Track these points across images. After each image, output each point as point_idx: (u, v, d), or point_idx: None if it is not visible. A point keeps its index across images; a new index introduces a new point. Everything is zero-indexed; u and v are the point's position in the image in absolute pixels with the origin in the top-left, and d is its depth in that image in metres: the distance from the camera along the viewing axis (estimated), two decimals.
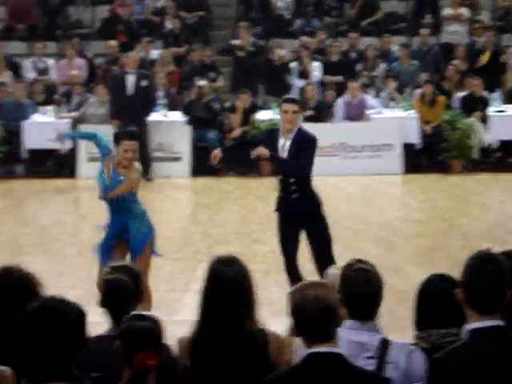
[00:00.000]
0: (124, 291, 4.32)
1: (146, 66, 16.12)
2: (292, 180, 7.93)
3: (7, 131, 14.93)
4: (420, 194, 13.92)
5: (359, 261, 4.12)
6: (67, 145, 15.08)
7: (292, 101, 8.13)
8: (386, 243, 10.82)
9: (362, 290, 3.79)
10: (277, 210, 8.08)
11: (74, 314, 3.25)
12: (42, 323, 3.19)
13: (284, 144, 7.93)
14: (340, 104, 15.50)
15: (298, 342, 3.95)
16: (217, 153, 8.34)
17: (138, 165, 8.05)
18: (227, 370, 4.10)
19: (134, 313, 3.72)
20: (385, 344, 3.93)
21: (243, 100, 15.11)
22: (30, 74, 16.41)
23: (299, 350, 3.86)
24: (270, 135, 8.14)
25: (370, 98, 15.71)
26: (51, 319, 3.19)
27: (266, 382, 3.57)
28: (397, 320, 7.10)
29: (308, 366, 3.52)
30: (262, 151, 7.89)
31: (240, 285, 4.18)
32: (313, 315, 3.53)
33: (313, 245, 7.97)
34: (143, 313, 3.71)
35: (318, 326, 3.53)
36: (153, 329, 3.62)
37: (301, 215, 7.91)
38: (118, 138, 7.81)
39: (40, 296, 3.46)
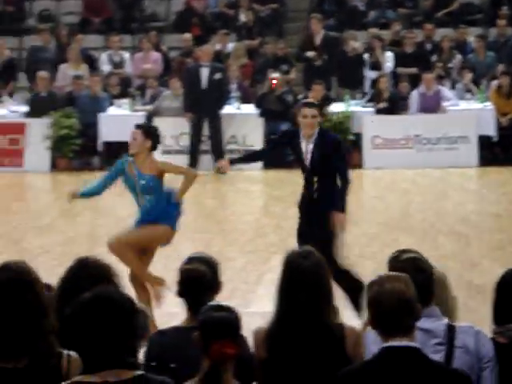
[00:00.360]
0: (202, 281, 4.34)
1: (222, 58, 16.18)
2: (315, 179, 7.85)
3: (83, 124, 15.15)
4: (496, 187, 13.69)
5: (404, 251, 4.11)
6: None
7: (312, 105, 7.93)
8: (462, 237, 10.68)
9: (414, 279, 3.72)
10: (298, 206, 7.97)
11: (125, 303, 3.30)
12: (94, 312, 3.24)
13: (306, 147, 7.80)
14: (415, 96, 15.33)
15: (369, 334, 3.93)
16: (224, 164, 8.26)
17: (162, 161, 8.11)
18: (304, 362, 4.09)
19: (211, 303, 3.74)
20: (451, 329, 3.90)
21: (316, 91, 15.04)
22: (105, 68, 16.62)
23: (371, 344, 3.85)
24: (290, 136, 8.01)
25: (445, 90, 15.50)
26: (103, 308, 3.24)
27: (342, 375, 3.55)
28: (473, 314, 7.00)
29: (384, 360, 3.48)
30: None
31: (318, 277, 4.17)
32: (389, 308, 3.50)
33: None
34: (221, 303, 3.72)
35: (394, 319, 3.50)
36: (231, 318, 3.64)
37: (318, 215, 7.79)
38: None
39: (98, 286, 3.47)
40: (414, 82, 15.71)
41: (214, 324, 3.57)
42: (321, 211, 7.73)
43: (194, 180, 7.98)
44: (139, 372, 3.27)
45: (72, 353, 3.55)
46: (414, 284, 3.63)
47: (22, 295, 3.51)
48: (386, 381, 3.45)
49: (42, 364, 3.48)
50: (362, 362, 3.69)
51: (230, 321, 3.62)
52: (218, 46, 16.61)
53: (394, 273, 3.71)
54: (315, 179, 7.83)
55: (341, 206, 7.70)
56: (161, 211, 7.81)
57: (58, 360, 3.51)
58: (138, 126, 7.92)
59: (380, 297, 3.51)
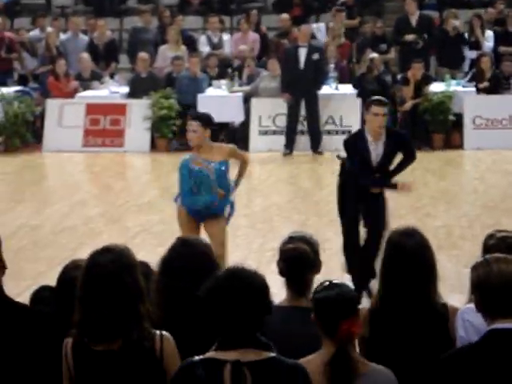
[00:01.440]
0: (304, 260, 4.32)
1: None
2: (378, 175, 7.83)
3: (182, 105, 15.29)
4: None
5: (499, 231, 4.11)
6: (240, 118, 15.32)
7: (383, 103, 7.69)
8: None
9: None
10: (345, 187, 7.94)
11: (260, 280, 3.30)
12: (229, 291, 3.24)
13: (376, 149, 7.65)
14: None
15: (460, 314, 3.90)
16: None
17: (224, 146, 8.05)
18: (408, 340, 4.06)
19: (325, 282, 3.67)
20: None
21: (416, 69, 14.82)
22: (204, 49, 16.72)
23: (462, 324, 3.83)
24: (354, 142, 7.77)
25: None
26: (240, 285, 3.24)
27: (446, 359, 3.50)
28: None
29: (489, 343, 3.44)
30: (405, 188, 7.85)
31: (423, 256, 4.14)
32: (497, 289, 3.46)
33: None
34: (333, 280, 3.67)
35: (502, 300, 3.46)
36: (349, 294, 3.59)
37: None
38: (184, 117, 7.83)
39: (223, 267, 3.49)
40: None
41: (337, 303, 3.52)
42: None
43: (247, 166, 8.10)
44: (272, 354, 3.25)
45: (165, 333, 3.58)
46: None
47: (120, 278, 3.55)
48: (494, 364, 3.40)
49: (136, 346, 3.51)
50: (466, 345, 3.63)
51: (350, 297, 3.57)
52: (314, 26, 16.53)
53: (500, 254, 3.65)
54: (377, 175, 7.83)
55: (391, 178, 7.80)
56: (224, 204, 7.79)
57: (151, 342, 3.54)
58: (195, 118, 7.73)
59: (488, 278, 3.48)
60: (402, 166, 7.99)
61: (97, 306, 3.53)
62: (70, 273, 4.00)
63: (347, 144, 7.94)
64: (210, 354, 3.26)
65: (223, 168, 7.70)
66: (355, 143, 7.77)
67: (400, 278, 4.08)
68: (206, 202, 7.69)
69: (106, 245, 3.68)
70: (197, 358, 3.27)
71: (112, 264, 3.56)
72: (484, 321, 3.56)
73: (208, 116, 7.91)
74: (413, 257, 4.11)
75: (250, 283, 3.25)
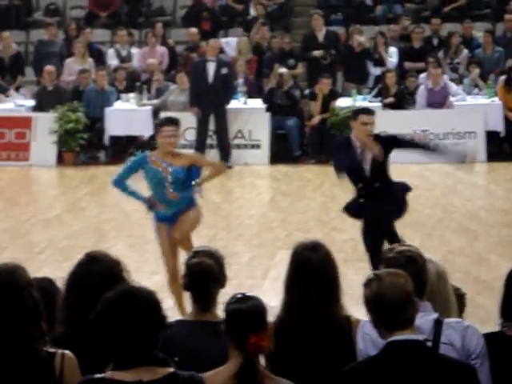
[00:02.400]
0: (208, 275, 4.31)
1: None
2: (377, 185, 7.74)
3: (90, 118, 15.13)
4: (504, 183, 13.62)
5: (399, 244, 4.15)
6: (149, 131, 15.23)
7: (371, 112, 7.76)
8: (470, 232, 10.63)
9: (406, 270, 3.72)
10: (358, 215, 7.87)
11: (150, 297, 3.28)
12: (122, 310, 3.21)
13: (365, 156, 7.66)
14: (422, 91, 15.27)
15: (361, 326, 3.93)
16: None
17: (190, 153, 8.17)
18: (312, 355, 4.08)
19: (237, 294, 3.67)
20: (438, 324, 3.88)
21: (324, 84, 14.99)
22: (112, 62, 16.59)
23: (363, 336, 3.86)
24: (345, 147, 7.81)
25: (452, 85, 15.44)
26: (130, 304, 3.22)
27: (348, 372, 3.53)
28: (480, 309, 6.97)
29: (389, 355, 3.47)
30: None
31: (327, 270, 4.16)
32: (392, 301, 3.49)
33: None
34: (246, 293, 3.66)
35: (397, 312, 3.49)
36: (261, 308, 3.59)
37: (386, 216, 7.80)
38: (158, 125, 7.88)
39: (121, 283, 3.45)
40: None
41: (248, 316, 3.52)
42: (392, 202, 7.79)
43: (221, 173, 8.33)
44: (171, 369, 3.24)
45: (66, 352, 3.53)
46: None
47: (8, 300, 3.49)
48: (394, 376, 3.44)
49: (32, 367, 3.45)
50: (366, 358, 3.66)
51: (261, 311, 3.57)
52: (223, 40, 16.57)
53: (391, 269, 3.69)
54: (376, 185, 7.75)
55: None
56: (188, 198, 7.88)
57: (49, 361, 3.48)
58: (173, 122, 7.81)
59: (381, 291, 3.50)
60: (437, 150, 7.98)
61: None
62: None
63: (339, 145, 8.05)
64: (109, 375, 3.23)
65: (183, 176, 7.74)
66: (347, 147, 7.76)
67: (303, 291, 4.10)
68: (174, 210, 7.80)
69: None
70: (97, 375, 3.24)
71: (1, 285, 3.50)
72: (379, 336, 3.59)
73: (179, 119, 8.01)
74: (316, 271, 4.12)
75: (138, 302, 3.22)
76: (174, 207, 7.87)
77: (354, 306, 6.02)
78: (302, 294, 4.10)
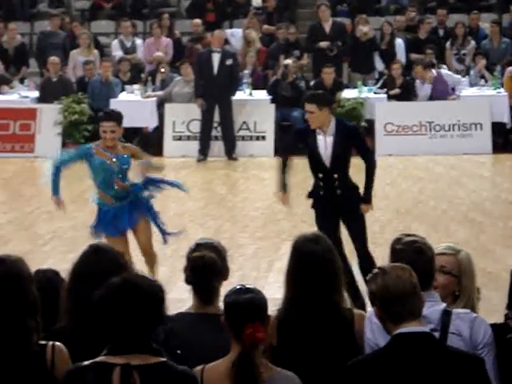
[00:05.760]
0: (211, 268, 4.29)
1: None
2: (336, 176, 7.70)
3: (94, 110, 15.10)
4: (510, 174, 13.59)
5: (407, 234, 4.13)
6: (153, 123, 15.21)
7: (309, 99, 7.64)
8: (475, 224, 10.60)
9: (413, 261, 3.75)
10: (315, 205, 7.82)
11: (154, 289, 3.31)
12: (124, 297, 3.26)
13: (325, 140, 7.61)
14: (419, 84, 15.15)
15: (369, 316, 3.92)
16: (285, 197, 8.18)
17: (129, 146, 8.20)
18: (315, 347, 4.06)
19: (237, 286, 3.69)
20: (447, 314, 3.90)
21: (327, 74, 14.94)
22: (116, 53, 16.56)
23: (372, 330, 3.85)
24: (302, 133, 7.81)
25: (444, 72, 15.25)
26: (133, 293, 3.26)
27: (354, 365, 3.52)
28: (485, 301, 6.92)
29: (396, 348, 3.46)
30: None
31: (329, 262, 4.14)
32: (397, 293, 3.50)
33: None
34: (246, 285, 3.68)
35: (402, 303, 3.49)
36: (261, 300, 3.61)
37: (343, 210, 7.72)
38: (97, 120, 7.94)
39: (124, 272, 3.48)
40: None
41: (245, 307, 3.54)
42: (350, 207, 7.68)
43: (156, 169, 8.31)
44: (162, 359, 3.27)
45: (57, 344, 3.56)
46: (413, 267, 3.64)
47: (8, 291, 3.51)
48: (401, 368, 3.42)
49: (25, 358, 3.48)
50: (373, 351, 3.66)
51: (260, 303, 3.59)
52: (228, 31, 16.53)
53: (396, 263, 3.70)
54: (335, 176, 7.69)
55: (369, 197, 7.67)
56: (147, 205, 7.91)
57: (42, 353, 3.51)
58: (110, 118, 7.81)
59: (387, 283, 3.51)
60: (368, 179, 7.73)
61: None
62: None
63: (298, 131, 8.12)
64: (100, 359, 3.29)
65: (129, 165, 7.82)
66: (306, 133, 7.72)
67: (306, 284, 4.08)
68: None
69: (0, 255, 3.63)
70: (86, 362, 3.30)
71: (2, 275, 3.52)
72: (385, 330, 3.59)
73: (120, 114, 8.00)
74: (319, 263, 4.11)
75: (143, 292, 3.27)
76: (121, 199, 7.81)
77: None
78: (304, 287, 4.08)
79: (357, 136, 7.75)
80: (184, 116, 15.07)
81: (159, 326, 3.33)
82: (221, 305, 4.00)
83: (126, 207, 7.85)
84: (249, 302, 3.56)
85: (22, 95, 15.52)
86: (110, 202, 7.86)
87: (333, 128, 7.60)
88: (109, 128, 7.71)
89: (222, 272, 4.36)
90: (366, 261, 7.68)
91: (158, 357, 3.27)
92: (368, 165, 7.72)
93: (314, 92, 8.56)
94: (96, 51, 16.25)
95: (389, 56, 15.91)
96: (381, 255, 8.69)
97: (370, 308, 4.17)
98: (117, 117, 7.84)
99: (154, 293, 3.29)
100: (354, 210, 7.71)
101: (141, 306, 3.24)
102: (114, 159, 7.75)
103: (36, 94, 15.66)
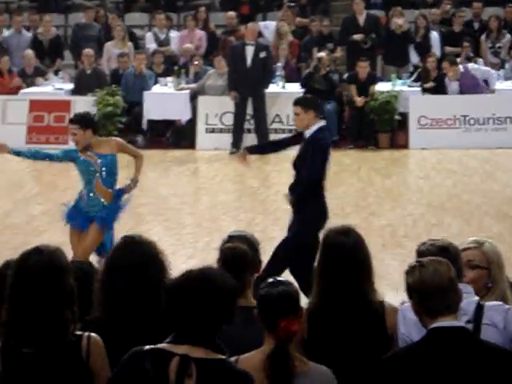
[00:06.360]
0: (244, 260, 4.30)
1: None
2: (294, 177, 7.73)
3: (128, 102, 15.16)
4: None
5: (432, 239, 4.22)
6: (186, 115, 15.24)
7: (296, 102, 7.67)
8: (509, 219, 10.51)
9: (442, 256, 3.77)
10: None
11: (229, 286, 3.29)
12: (199, 288, 3.23)
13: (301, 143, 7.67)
14: (447, 80, 15.04)
15: (402, 311, 3.92)
16: (243, 159, 8.10)
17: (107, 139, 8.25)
18: (346, 340, 4.06)
19: (270, 279, 3.68)
20: (480, 306, 3.92)
21: (362, 68, 14.89)
22: (150, 46, 16.61)
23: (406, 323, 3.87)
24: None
25: (471, 66, 15.07)
26: (209, 286, 3.23)
27: (388, 360, 3.51)
28: None
29: (431, 342, 3.45)
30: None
31: (360, 254, 4.14)
32: (434, 287, 3.49)
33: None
34: (278, 278, 3.68)
35: (439, 297, 3.49)
36: (293, 293, 3.60)
37: None
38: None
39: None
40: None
41: (278, 300, 3.54)
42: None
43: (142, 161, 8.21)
44: (222, 356, 3.25)
45: (93, 334, 3.56)
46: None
47: (47, 281, 3.51)
48: (436, 363, 3.42)
49: (61, 349, 3.49)
50: (408, 345, 3.65)
51: (293, 295, 3.59)
52: (262, 24, 16.52)
53: (433, 257, 3.70)
54: (295, 178, 7.80)
55: None
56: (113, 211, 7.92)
57: (77, 344, 3.52)
58: (72, 121, 7.88)
59: (423, 277, 3.51)
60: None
61: (23, 308, 3.48)
62: (4, 272, 3.93)
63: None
64: (161, 345, 3.26)
65: (113, 163, 7.82)
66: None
67: (337, 276, 4.07)
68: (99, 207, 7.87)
69: (38, 245, 3.63)
70: (147, 347, 3.27)
71: (41, 265, 3.52)
72: (421, 323, 3.58)
73: (85, 116, 8.01)
74: (350, 255, 4.11)
75: (218, 287, 3.25)
76: (95, 206, 7.83)
77: (391, 291, 6.00)
78: (335, 279, 4.08)
79: (314, 149, 7.59)
80: (217, 109, 15.09)
81: (226, 323, 3.28)
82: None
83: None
84: (282, 294, 3.55)
85: (56, 87, 15.62)
86: (84, 203, 7.93)
87: (309, 133, 7.59)
88: (71, 130, 7.80)
89: (254, 264, 4.36)
90: None
91: (218, 353, 3.24)
92: (300, 178, 7.64)
93: (304, 95, 8.52)
94: (130, 43, 16.31)
95: (423, 49, 15.81)
96: (413, 249, 8.67)
97: (398, 302, 4.17)
98: (79, 119, 7.85)
99: (228, 289, 3.27)
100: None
101: (214, 300, 3.21)
102: (99, 161, 7.78)
103: (70, 86, 15.76)
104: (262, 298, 3.60)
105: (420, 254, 4.04)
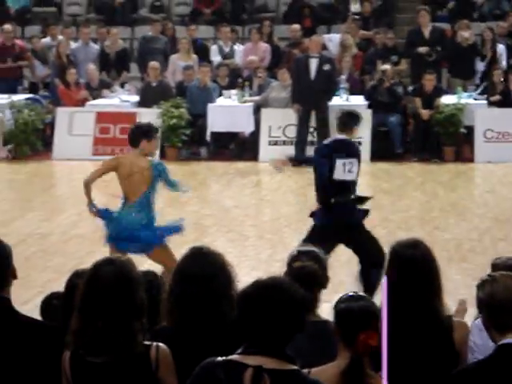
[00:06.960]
0: (314, 279, 4.31)
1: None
2: None
3: (192, 114, 15.28)
4: None
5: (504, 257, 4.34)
6: (250, 128, 15.29)
7: None
8: None
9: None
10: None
11: (301, 296, 3.29)
12: (272, 298, 3.22)
13: None
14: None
15: (476, 324, 3.88)
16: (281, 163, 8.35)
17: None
18: (413, 354, 4.02)
19: (348, 293, 3.69)
20: None
21: (428, 81, 14.79)
22: (215, 58, 16.72)
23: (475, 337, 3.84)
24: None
25: None
26: (281, 296, 3.22)
27: (458, 375, 3.48)
28: None
29: (500, 358, 3.42)
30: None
31: (429, 267, 4.10)
32: (504, 303, 3.48)
33: None
34: (358, 292, 3.69)
35: (510, 314, 3.46)
36: (374, 308, 3.61)
37: None
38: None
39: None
40: None
41: (358, 314, 3.54)
42: None
43: None
44: (295, 367, 3.23)
45: (161, 345, 3.58)
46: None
47: (118, 292, 3.54)
48: (506, 379, 3.38)
49: (131, 359, 3.51)
50: (478, 360, 3.61)
51: (373, 310, 3.59)
52: (326, 36, 16.53)
53: (506, 272, 3.70)
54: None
55: None
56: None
57: (146, 353, 3.54)
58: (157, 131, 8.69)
59: (494, 292, 3.50)
60: None
61: (92, 318, 3.51)
62: (75, 281, 3.98)
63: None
64: (233, 357, 3.25)
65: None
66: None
67: (405, 289, 4.04)
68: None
69: (109, 256, 3.66)
70: (219, 358, 3.27)
71: (113, 276, 3.55)
72: (490, 338, 3.56)
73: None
74: (419, 268, 4.07)
75: (290, 296, 3.23)
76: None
77: (455, 306, 5.93)
78: (403, 293, 4.04)
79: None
80: (280, 121, 15.11)
81: (298, 333, 3.26)
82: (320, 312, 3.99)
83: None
84: (362, 309, 3.56)
85: (122, 99, 15.82)
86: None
87: None
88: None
89: (323, 281, 4.36)
90: None
91: (291, 364, 3.23)
92: None
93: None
94: (195, 56, 16.46)
95: (490, 62, 15.64)
96: (479, 263, 8.56)
97: (472, 318, 4.12)
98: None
99: (300, 299, 3.26)
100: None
101: (286, 309, 3.20)
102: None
103: (136, 98, 15.94)
104: (341, 312, 3.60)
105: (494, 267, 4.05)
